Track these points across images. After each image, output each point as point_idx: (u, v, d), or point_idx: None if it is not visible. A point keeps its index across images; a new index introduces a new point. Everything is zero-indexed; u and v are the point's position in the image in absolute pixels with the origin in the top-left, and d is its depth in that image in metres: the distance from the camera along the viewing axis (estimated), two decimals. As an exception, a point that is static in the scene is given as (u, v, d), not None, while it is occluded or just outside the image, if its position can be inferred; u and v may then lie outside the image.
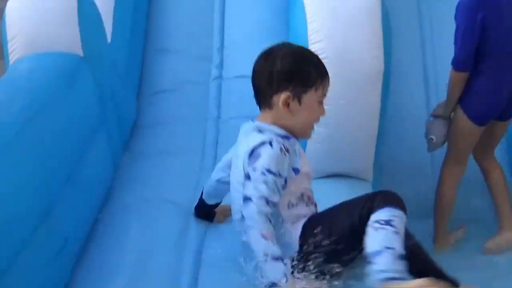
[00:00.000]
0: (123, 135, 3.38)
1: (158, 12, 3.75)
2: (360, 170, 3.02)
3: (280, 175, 2.19)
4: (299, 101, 2.25)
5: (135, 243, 2.69)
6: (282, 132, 2.28)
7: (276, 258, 2.10)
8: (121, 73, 3.39)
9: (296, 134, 2.32)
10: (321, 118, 2.34)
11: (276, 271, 2.09)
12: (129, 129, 3.47)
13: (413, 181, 3.56)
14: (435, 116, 3.35)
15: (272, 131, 2.26)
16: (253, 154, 2.22)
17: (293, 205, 2.28)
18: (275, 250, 2.10)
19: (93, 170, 2.88)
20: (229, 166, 2.44)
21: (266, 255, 2.09)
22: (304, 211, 2.31)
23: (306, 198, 2.33)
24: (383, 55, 2.82)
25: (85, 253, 2.62)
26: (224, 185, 2.51)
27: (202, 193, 2.67)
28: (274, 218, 2.20)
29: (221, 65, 3.77)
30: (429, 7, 4.12)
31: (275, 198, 2.18)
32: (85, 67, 2.93)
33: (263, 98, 2.30)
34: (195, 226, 2.71)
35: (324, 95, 2.31)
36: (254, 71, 2.33)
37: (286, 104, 2.24)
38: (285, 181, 2.23)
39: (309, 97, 2.26)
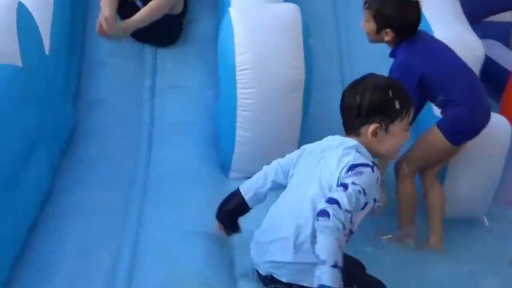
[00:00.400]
0: (60, 142, 3.51)
1: (94, 25, 3.90)
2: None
3: (366, 200, 2.33)
4: (386, 131, 2.42)
5: (74, 245, 2.84)
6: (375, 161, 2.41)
7: (341, 270, 2.23)
8: (59, 84, 3.53)
9: (381, 157, 2.50)
10: (405, 142, 2.53)
11: (338, 280, 2.22)
12: (66, 137, 3.60)
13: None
14: None
15: (369, 158, 2.40)
16: (355, 169, 2.33)
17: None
18: (340, 260, 2.23)
19: (32, 177, 2.98)
20: (288, 171, 2.56)
21: (336, 262, 2.21)
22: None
23: (350, 233, 2.38)
24: (303, 65, 3.07)
25: (24, 255, 2.74)
26: (274, 188, 2.58)
27: (235, 196, 2.63)
28: None
29: (154, 75, 3.97)
30: (345, 15, 4.41)
31: (354, 218, 2.30)
32: (24, 78, 3.04)
33: (352, 128, 2.46)
34: (131, 226, 2.92)
35: (408, 123, 2.47)
36: (342, 103, 2.50)
37: (375, 134, 2.41)
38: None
39: (396, 126, 2.43)
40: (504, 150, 3.65)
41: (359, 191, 2.28)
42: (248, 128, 3.11)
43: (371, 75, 2.53)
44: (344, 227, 2.22)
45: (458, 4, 4.37)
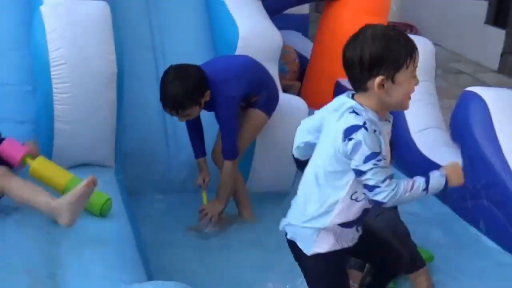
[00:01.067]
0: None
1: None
2: (103, 159, 3.47)
3: (380, 153, 2.27)
4: (393, 81, 2.28)
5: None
6: (375, 117, 2.31)
7: (424, 181, 2.36)
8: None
9: (394, 108, 2.38)
10: (416, 88, 2.37)
11: (437, 180, 2.38)
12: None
13: (151, 165, 4.05)
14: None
15: (367, 115, 2.29)
16: (349, 138, 2.27)
17: (354, 200, 2.39)
18: (417, 180, 2.35)
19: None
20: (317, 129, 2.46)
21: (424, 186, 2.34)
22: (358, 213, 2.44)
23: None
24: (115, 58, 3.27)
25: None
26: (311, 147, 2.51)
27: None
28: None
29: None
30: (158, 13, 4.62)
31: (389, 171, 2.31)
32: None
33: (357, 83, 2.33)
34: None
35: (415, 68, 2.33)
36: (344, 59, 2.34)
37: (381, 86, 2.28)
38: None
39: (402, 75, 2.29)
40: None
41: (375, 164, 2.28)
42: (66, 121, 3.26)
43: (367, 26, 2.35)
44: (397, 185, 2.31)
45: (259, 3, 4.76)
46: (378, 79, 2.27)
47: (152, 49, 4.49)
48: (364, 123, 2.27)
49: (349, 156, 2.30)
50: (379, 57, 2.26)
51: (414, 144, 4.52)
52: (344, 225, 2.45)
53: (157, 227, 3.72)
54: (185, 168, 4.10)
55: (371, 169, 2.28)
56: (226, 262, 3.46)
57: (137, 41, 4.45)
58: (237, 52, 4.32)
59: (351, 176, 2.36)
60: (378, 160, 2.28)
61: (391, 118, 2.46)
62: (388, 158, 2.39)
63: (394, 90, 2.30)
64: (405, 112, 4.58)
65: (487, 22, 7.83)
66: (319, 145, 2.46)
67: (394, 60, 2.27)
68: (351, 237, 2.51)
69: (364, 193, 2.38)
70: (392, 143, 2.49)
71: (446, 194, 4.07)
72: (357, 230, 2.53)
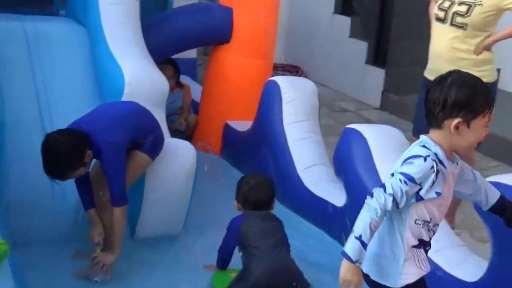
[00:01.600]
0: None
1: None
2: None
3: (419, 184, 2.47)
4: (468, 126, 2.47)
5: None
6: (442, 155, 2.52)
7: (362, 243, 2.44)
8: None
9: (459, 151, 2.57)
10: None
11: (356, 252, 2.45)
12: None
13: (38, 212, 3.96)
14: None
15: (434, 151, 2.51)
16: (407, 161, 2.50)
17: (418, 224, 2.56)
18: (368, 239, 2.45)
19: None
20: None
21: (360, 236, 2.44)
22: (425, 236, 2.60)
23: (432, 225, 2.60)
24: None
25: None
26: None
27: None
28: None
29: None
30: (40, 57, 4.60)
31: (402, 203, 2.47)
32: None
33: (434, 120, 2.52)
34: None
35: (490, 119, 2.52)
36: (427, 97, 2.53)
37: (456, 128, 2.47)
38: (421, 197, 2.50)
39: (477, 122, 2.48)
40: (190, 172, 4.13)
41: (401, 180, 2.45)
42: None
43: (456, 71, 2.58)
44: (383, 211, 2.45)
45: (143, 43, 4.81)
46: (456, 121, 2.46)
47: (36, 95, 4.44)
48: (428, 155, 2.49)
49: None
50: (463, 101, 2.45)
51: (301, 181, 4.64)
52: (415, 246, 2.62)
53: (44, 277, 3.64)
54: (72, 216, 4.04)
55: (395, 178, 2.48)
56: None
57: (21, 92, 4.40)
58: (124, 98, 4.34)
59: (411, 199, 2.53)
60: (406, 183, 2.46)
61: (459, 161, 2.64)
62: (446, 201, 2.62)
63: (467, 134, 2.49)
64: (291, 150, 4.75)
65: (368, 62, 8.19)
66: None
67: (476, 107, 2.47)
68: (423, 257, 2.66)
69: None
70: None
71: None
72: (426, 251, 2.68)
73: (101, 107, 4.03)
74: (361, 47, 8.25)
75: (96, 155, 3.66)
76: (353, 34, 8.44)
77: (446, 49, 4.51)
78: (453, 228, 4.82)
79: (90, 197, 3.83)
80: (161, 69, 5.12)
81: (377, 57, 8.17)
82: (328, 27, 8.74)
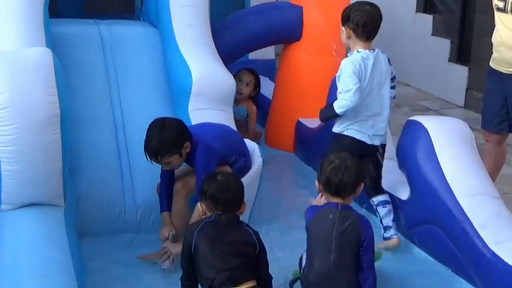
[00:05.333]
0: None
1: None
2: (52, 199, 3.57)
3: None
4: None
5: None
6: None
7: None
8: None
9: None
10: None
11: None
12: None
13: (106, 206, 4.15)
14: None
15: None
16: None
17: None
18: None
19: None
20: None
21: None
22: None
23: None
24: (57, 101, 3.42)
25: None
26: None
27: None
28: None
29: None
30: (114, 60, 4.81)
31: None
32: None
33: None
34: None
35: None
36: None
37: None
38: None
39: None
40: (257, 171, 4.22)
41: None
42: (11, 162, 3.39)
43: None
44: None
45: (212, 44, 4.95)
46: None
47: (109, 94, 4.65)
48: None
49: None
50: None
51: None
52: None
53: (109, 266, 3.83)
54: (140, 210, 4.21)
55: None
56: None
57: (94, 88, 4.63)
58: (192, 97, 4.54)
59: None
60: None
61: None
62: None
63: None
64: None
65: (451, 60, 8.02)
66: None
67: None
68: None
69: None
70: None
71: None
72: None
73: (199, 124, 4.26)
74: (444, 45, 8.09)
75: (191, 156, 3.86)
76: (436, 32, 8.29)
77: (510, 38, 4.42)
78: None
79: (169, 202, 3.99)
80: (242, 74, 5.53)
81: (460, 55, 7.98)
82: (410, 26, 8.62)
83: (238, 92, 5.35)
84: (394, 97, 4.27)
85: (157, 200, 4.09)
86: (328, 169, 3.24)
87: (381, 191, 4.23)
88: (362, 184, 3.32)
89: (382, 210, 4.18)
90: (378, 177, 4.23)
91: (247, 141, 4.40)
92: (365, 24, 3.99)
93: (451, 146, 4.07)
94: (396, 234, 4.14)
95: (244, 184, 3.39)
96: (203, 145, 3.86)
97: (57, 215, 3.50)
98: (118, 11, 5.91)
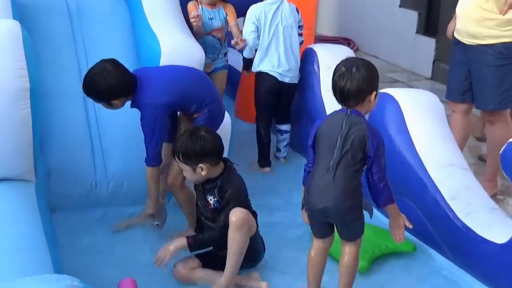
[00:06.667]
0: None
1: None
2: (22, 174, 3.51)
3: None
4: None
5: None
6: None
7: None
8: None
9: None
10: None
11: None
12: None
13: (77, 180, 4.12)
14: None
15: None
16: None
17: None
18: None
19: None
20: None
21: None
22: None
23: None
24: (27, 74, 3.36)
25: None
26: None
27: None
28: None
29: None
30: (82, 31, 4.75)
31: None
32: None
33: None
34: None
35: None
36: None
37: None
38: None
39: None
40: (227, 138, 4.19)
41: None
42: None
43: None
44: None
45: (181, 14, 4.90)
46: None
47: (78, 66, 4.59)
48: None
49: None
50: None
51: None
52: None
53: (83, 239, 3.83)
54: (112, 183, 4.18)
55: None
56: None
57: (62, 60, 4.56)
58: (160, 67, 4.46)
59: None
60: None
61: None
62: None
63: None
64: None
65: (418, 32, 8.07)
66: None
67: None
68: None
69: None
70: None
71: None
72: None
73: (164, 67, 4.09)
74: (412, 17, 8.14)
75: (136, 102, 3.73)
76: (404, 4, 8.33)
77: (473, 9, 4.50)
78: (496, 193, 4.78)
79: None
80: None
81: (428, 27, 8.04)
82: (378, -2, 8.66)
83: None
84: (301, 43, 5.09)
85: (128, 173, 4.11)
86: (334, 76, 3.14)
87: (287, 121, 5.18)
88: (374, 93, 3.16)
89: (281, 137, 5.20)
90: (288, 108, 5.16)
91: None
92: None
93: (422, 118, 4.10)
94: (284, 156, 5.21)
95: None
96: (144, 107, 3.68)
97: (28, 190, 3.45)
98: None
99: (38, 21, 4.63)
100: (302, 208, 3.33)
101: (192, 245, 3.46)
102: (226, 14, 5.19)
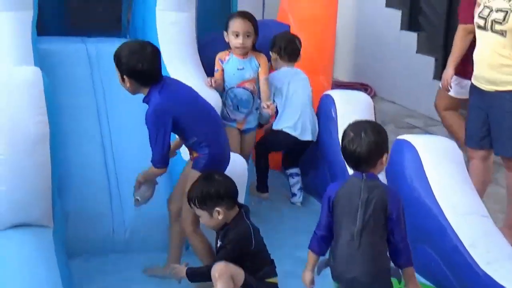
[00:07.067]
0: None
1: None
2: (41, 219, 3.53)
3: None
4: None
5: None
6: None
7: None
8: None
9: None
10: None
11: None
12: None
13: (94, 225, 4.11)
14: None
15: None
16: None
17: None
18: None
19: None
20: None
21: None
22: None
23: None
24: (47, 119, 3.40)
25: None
26: None
27: None
28: None
29: None
30: (101, 76, 4.78)
31: None
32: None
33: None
34: None
35: None
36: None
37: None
38: None
39: None
40: (243, 185, 4.19)
41: None
42: (1, 182, 3.36)
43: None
44: None
45: (198, 60, 4.95)
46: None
47: (97, 112, 4.62)
48: None
49: None
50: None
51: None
52: None
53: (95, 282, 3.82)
54: (129, 228, 4.18)
55: None
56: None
57: (81, 103, 4.59)
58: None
59: None
60: None
61: None
62: None
63: None
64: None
65: (435, 77, 8.08)
66: None
67: None
68: None
69: None
70: None
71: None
72: None
73: (187, 87, 3.86)
74: (429, 62, 8.16)
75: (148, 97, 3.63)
76: (420, 49, 8.35)
77: (490, 55, 4.51)
78: None
79: None
80: (235, 24, 4.71)
81: (444, 72, 8.04)
82: (395, 43, 8.68)
83: (237, 47, 4.75)
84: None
85: (145, 218, 4.08)
86: (344, 142, 3.15)
87: (296, 165, 5.15)
88: (386, 155, 3.15)
89: (292, 180, 5.13)
90: (298, 157, 5.17)
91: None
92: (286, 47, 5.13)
93: (440, 164, 4.09)
94: (300, 201, 5.12)
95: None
96: (150, 108, 3.56)
97: (46, 235, 3.47)
98: (105, 28, 5.85)
99: (58, 66, 4.68)
100: (309, 271, 3.29)
101: (189, 274, 3.49)
102: (259, 64, 4.85)
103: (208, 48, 5.37)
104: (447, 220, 3.84)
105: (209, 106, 3.90)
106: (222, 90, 4.82)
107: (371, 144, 3.06)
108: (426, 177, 4.02)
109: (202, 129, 3.70)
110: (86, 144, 4.41)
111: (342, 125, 4.82)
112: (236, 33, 4.72)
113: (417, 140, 4.20)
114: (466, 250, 3.69)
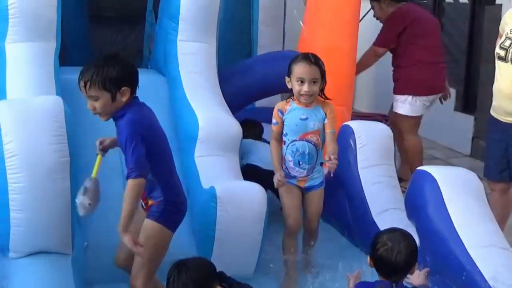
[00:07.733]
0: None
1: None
2: (59, 246, 3.56)
3: None
4: None
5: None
6: None
7: None
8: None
9: None
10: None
11: None
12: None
13: (115, 253, 4.07)
14: None
15: None
16: None
17: None
18: None
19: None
20: None
21: None
22: None
23: None
24: (67, 148, 3.45)
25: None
26: None
27: None
28: None
29: None
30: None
31: None
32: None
33: None
34: None
35: None
36: None
37: None
38: None
39: None
40: (261, 214, 4.19)
41: None
42: (19, 210, 3.39)
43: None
44: None
45: (219, 91, 4.99)
46: None
47: (118, 144, 4.65)
48: None
49: None
50: None
51: (376, 225, 4.60)
52: None
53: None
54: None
55: None
56: None
57: (102, 134, 4.59)
58: (198, 143, 4.55)
59: None
60: None
61: None
62: None
63: None
64: (366, 194, 4.73)
65: (456, 109, 8.06)
66: None
67: None
68: None
69: None
70: None
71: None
72: None
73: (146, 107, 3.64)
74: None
75: (120, 119, 3.40)
76: (441, 81, 8.34)
77: (508, 87, 4.47)
78: None
79: None
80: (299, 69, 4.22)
81: (466, 104, 8.02)
82: (416, 75, 8.68)
83: (301, 95, 4.21)
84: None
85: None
86: (380, 251, 3.19)
87: None
88: (415, 266, 3.24)
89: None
90: None
91: (250, 184, 4.29)
92: None
93: (460, 196, 4.06)
94: None
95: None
96: (129, 118, 3.33)
97: (64, 263, 3.49)
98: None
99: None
100: None
101: None
102: (326, 114, 4.27)
103: (229, 81, 5.44)
104: (467, 252, 3.79)
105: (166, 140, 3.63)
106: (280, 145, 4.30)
107: (409, 255, 3.15)
108: (446, 209, 3.99)
109: (158, 166, 3.44)
110: (107, 172, 4.39)
111: (360, 155, 4.87)
112: (300, 79, 4.17)
113: (437, 172, 4.18)
114: (487, 283, 3.64)
